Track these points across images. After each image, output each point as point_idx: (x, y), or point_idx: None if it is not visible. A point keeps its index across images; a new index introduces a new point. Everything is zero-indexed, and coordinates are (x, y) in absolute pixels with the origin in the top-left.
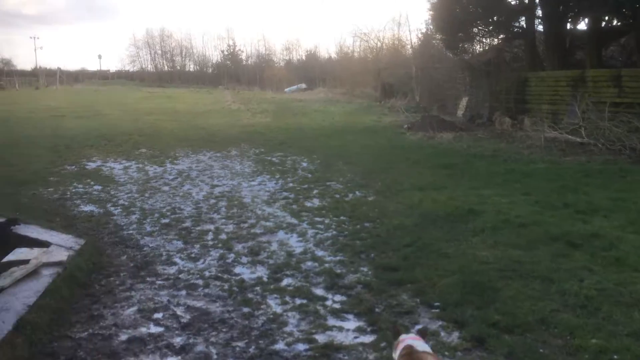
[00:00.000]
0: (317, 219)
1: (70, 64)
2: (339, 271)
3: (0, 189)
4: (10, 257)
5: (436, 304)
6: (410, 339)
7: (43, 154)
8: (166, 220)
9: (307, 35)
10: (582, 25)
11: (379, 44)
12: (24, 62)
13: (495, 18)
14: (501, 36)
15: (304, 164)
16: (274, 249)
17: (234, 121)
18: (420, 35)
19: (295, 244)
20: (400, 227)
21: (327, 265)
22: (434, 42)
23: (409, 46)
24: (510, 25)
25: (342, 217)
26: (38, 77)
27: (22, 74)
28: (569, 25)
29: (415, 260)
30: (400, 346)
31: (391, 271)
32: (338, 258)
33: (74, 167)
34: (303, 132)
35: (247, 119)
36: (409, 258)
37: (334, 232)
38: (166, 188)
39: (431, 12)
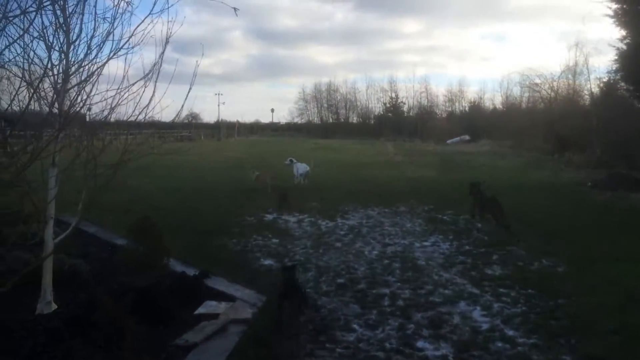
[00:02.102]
0: (502, 290)
1: (247, 117)
2: (536, 358)
3: (193, 238)
4: (201, 309)
5: None
6: None
7: (225, 203)
8: (341, 280)
9: (471, 87)
10: None
11: (552, 94)
12: (209, 115)
13: None
14: None
15: (479, 225)
16: (457, 322)
17: (399, 174)
18: (601, 85)
19: (480, 318)
20: (601, 307)
21: (520, 348)
22: (619, 92)
23: (587, 96)
24: None
25: (530, 290)
26: (219, 129)
27: (207, 126)
28: None
29: (625, 352)
30: None
31: None
32: (532, 341)
33: (252, 218)
34: None
35: (412, 172)
36: (616, 349)
37: (524, 308)
38: (339, 244)
39: (618, 62)
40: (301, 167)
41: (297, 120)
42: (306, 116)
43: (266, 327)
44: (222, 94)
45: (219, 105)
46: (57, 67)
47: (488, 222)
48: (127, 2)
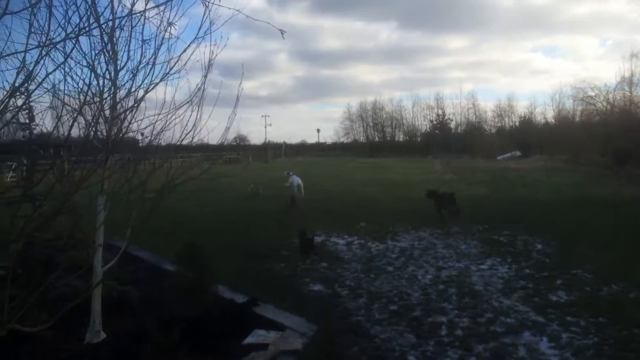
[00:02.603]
0: (569, 318)
1: (293, 138)
2: None
3: (241, 261)
4: (250, 339)
5: None
6: None
7: (272, 226)
8: (394, 307)
9: (520, 101)
10: None
11: (608, 106)
12: (256, 137)
13: None
14: None
15: (538, 246)
16: (523, 354)
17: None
18: None
19: (548, 350)
20: None
21: None
22: None
23: None
24: None
25: (600, 319)
26: (266, 151)
27: (254, 148)
28: None
29: None
30: None
31: None
32: None
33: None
34: (528, 206)
35: (463, 190)
36: None
37: (595, 339)
38: (390, 268)
39: None
40: (295, 180)
41: (343, 139)
42: (352, 135)
43: None
44: (268, 116)
45: (265, 127)
46: (104, 93)
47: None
48: (170, 24)
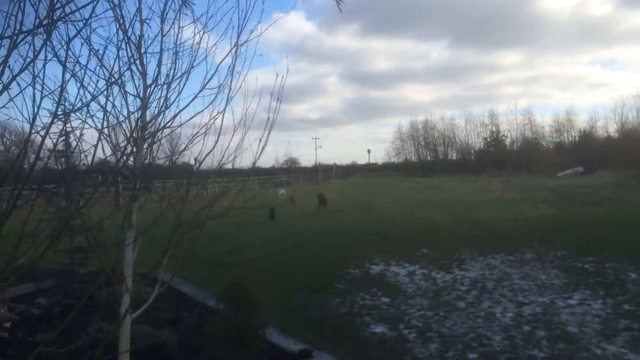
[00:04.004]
0: None
1: (344, 159)
2: None
3: (292, 297)
4: None
5: None
6: None
7: (327, 253)
8: (474, 356)
9: (580, 115)
10: None
11: None
12: (307, 159)
13: None
14: None
15: (632, 275)
16: None
17: (513, 214)
18: None
19: None
20: None
21: None
22: None
23: None
24: None
25: None
26: (317, 173)
27: (304, 170)
28: None
29: None
30: None
31: None
32: None
33: (357, 270)
34: (607, 228)
35: (528, 210)
36: None
37: None
38: (462, 304)
39: None
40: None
41: (394, 159)
42: (403, 155)
43: None
44: (318, 138)
45: (316, 149)
46: (133, 114)
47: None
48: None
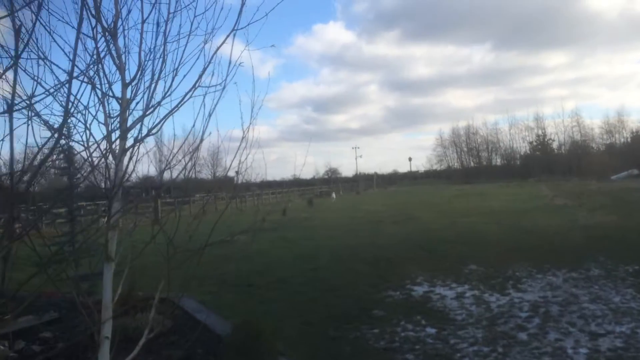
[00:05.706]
0: None
1: (384, 168)
2: None
3: (323, 327)
4: None
5: None
6: None
7: (364, 271)
8: None
9: (632, 116)
10: None
11: None
12: (347, 169)
13: None
14: None
15: None
16: None
17: (569, 222)
18: None
19: None
20: None
21: None
22: None
23: None
24: None
25: None
26: (358, 182)
27: (345, 180)
28: None
29: None
30: None
31: None
32: None
33: (398, 292)
34: None
35: (584, 217)
36: None
37: None
38: (524, 336)
39: None
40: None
41: (435, 167)
42: (445, 162)
43: None
44: (359, 148)
45: (356, 159)
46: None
47: None
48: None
